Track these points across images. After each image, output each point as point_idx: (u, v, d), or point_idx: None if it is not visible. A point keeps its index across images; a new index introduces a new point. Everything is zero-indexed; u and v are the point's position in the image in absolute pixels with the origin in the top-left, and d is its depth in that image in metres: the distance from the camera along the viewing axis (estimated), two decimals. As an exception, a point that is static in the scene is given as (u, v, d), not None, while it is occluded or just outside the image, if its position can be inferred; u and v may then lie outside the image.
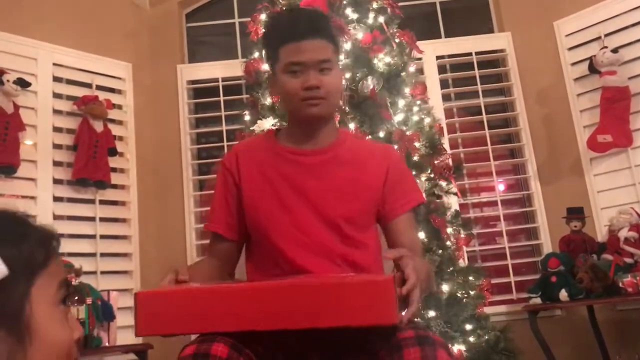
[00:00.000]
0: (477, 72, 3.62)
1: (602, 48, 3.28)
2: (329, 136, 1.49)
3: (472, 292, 2.54)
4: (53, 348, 0.79)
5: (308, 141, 1.48)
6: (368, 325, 1.03)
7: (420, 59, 3.39)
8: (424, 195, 1.55)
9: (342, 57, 2.65)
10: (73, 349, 0.82)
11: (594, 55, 3.29)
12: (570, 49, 3.53)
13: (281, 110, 1.56)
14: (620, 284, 2.73)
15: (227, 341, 1.09)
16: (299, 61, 1.39)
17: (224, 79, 3.62)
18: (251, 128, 2.76)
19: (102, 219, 3.23)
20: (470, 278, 2.60)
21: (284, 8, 2.77)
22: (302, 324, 1.04)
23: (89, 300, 2.55)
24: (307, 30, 1.41)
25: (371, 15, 2.82)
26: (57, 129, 3.16)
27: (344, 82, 2.63)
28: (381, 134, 2.58)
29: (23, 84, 2.91)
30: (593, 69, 3.30)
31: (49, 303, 0.80)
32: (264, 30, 1.50)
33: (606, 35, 3.37)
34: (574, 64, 3.50)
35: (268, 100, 2.73)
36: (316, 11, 1.62)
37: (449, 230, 2.62)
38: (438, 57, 3.66)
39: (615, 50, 3.24)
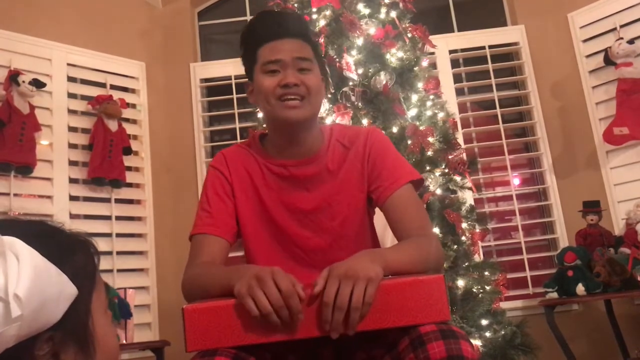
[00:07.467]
0: (490, 66, 3.59)
1: (617, 39, 3.25)
2: (314, 143, 1.42)
3: (487, 287, 2.53)
4: (111, 354, 0.80)
5: (292, 149, 1.41)
6: (424, 323, 1.03)
7: (433, 53, 3.38)
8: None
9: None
10: (119, 350, 0.83)
11: (610, 47, 3.25)
12: (585, 40, 3.49)
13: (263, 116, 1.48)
14: (639, 278, 2.70)
15: (228, 352, 1.06)
16: (277, 58, 1.34)
17: (236, 77, 3.63)
18: (264, 125, 2.76)
19: (117, 218, 3.25)
20: (486, 273, 2.59)
21: (294, 5, 2.78)
22: (361, 327, 1.03)
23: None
24: (286, 30, 1.38)
25: (383, 10, 2.81)
26: (72, 129, 3.19)
27: (355, 77, 2.63)
28: (394, 129, 2.58)
29: (38, 84, 2.94)
30: (608, 61, 3.26)
31: (102, 311, 0.80)
32: (242, 33, 1.45)
33: (622, 26, 3.33)
34: (588, 55, 3.46)
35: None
36: (296, 14, 1.58)
37: (464, 225, 2.60)
38: (451, 52, 3.64)
39: (631, 42, 3.20)
